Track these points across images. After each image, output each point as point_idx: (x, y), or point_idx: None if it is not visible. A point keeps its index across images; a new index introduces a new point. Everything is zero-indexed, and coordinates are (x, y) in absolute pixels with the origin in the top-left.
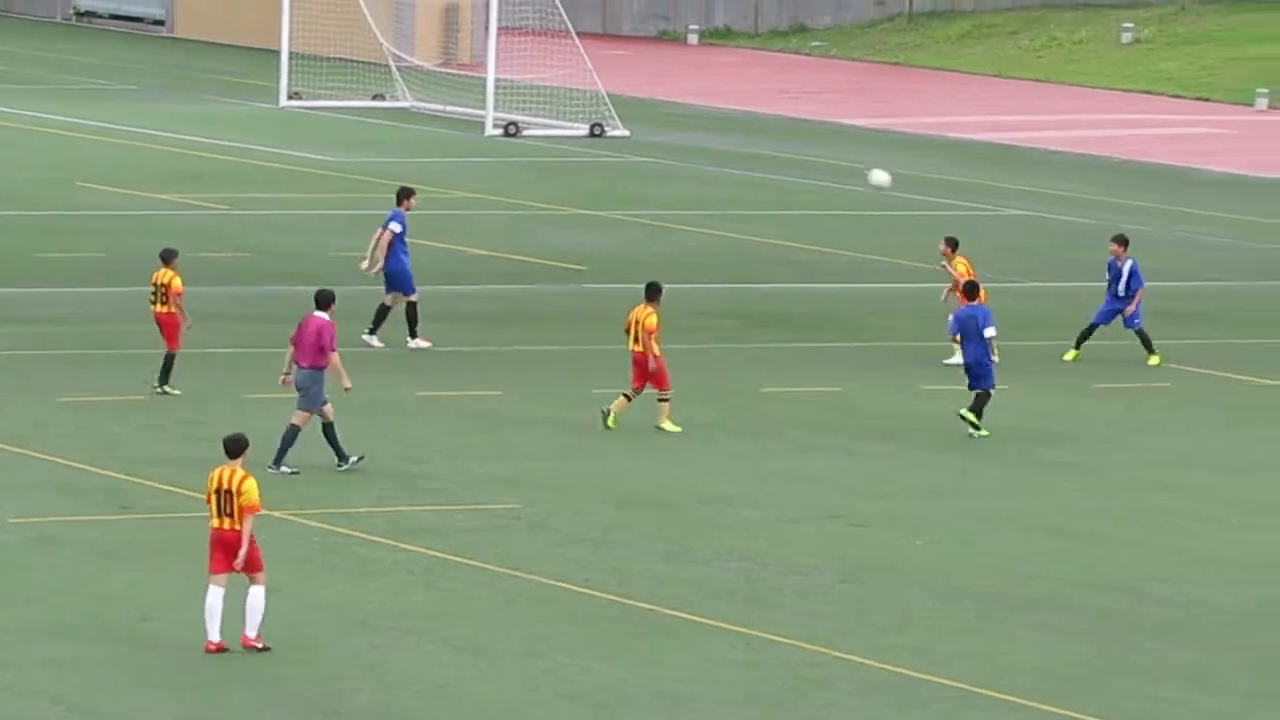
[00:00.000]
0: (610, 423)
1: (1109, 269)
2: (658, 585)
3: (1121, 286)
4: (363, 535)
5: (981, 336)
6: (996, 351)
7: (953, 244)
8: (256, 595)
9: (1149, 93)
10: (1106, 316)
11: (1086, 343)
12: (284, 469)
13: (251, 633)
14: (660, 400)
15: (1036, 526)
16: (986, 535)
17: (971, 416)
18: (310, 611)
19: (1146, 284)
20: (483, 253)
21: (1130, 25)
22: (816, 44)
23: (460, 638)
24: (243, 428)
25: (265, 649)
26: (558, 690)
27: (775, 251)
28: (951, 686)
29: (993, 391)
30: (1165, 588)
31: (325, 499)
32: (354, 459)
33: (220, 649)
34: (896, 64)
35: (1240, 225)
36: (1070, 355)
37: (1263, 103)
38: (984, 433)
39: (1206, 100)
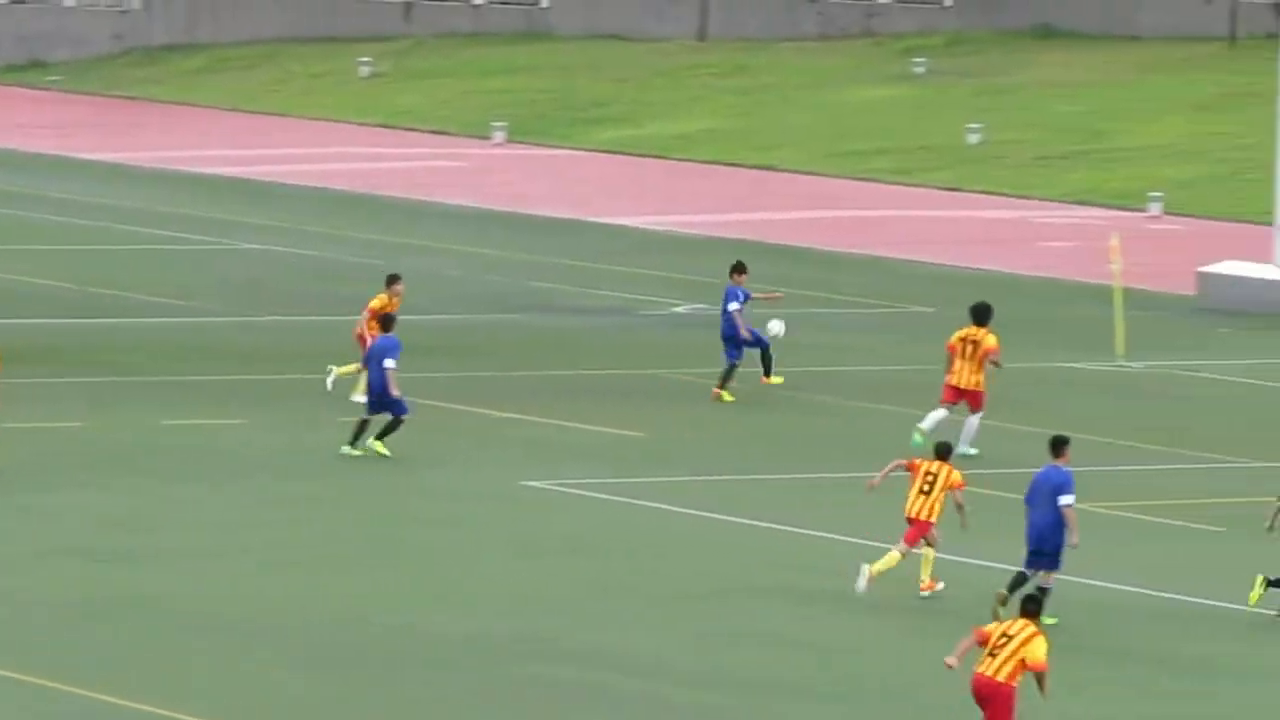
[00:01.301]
0: None
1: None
2: None
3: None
4: None
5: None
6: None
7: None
8: None
9: (387, 126)
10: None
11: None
12: None
13: None
14: None
15: (284, 560)
16: (233, 568)
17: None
18: None
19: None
20: None
21: (368, 59)
22: (53, 78)
23: None
24: None
25: None
26: None
27: (8, 286)
28: None
29: (404, 419)
30: (400, 619)
31: None
32: None
33: None
34: (134, 98)
35: (474, 258)
36: (776, 379)
37: (499, 136)
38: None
39: (444, 134)
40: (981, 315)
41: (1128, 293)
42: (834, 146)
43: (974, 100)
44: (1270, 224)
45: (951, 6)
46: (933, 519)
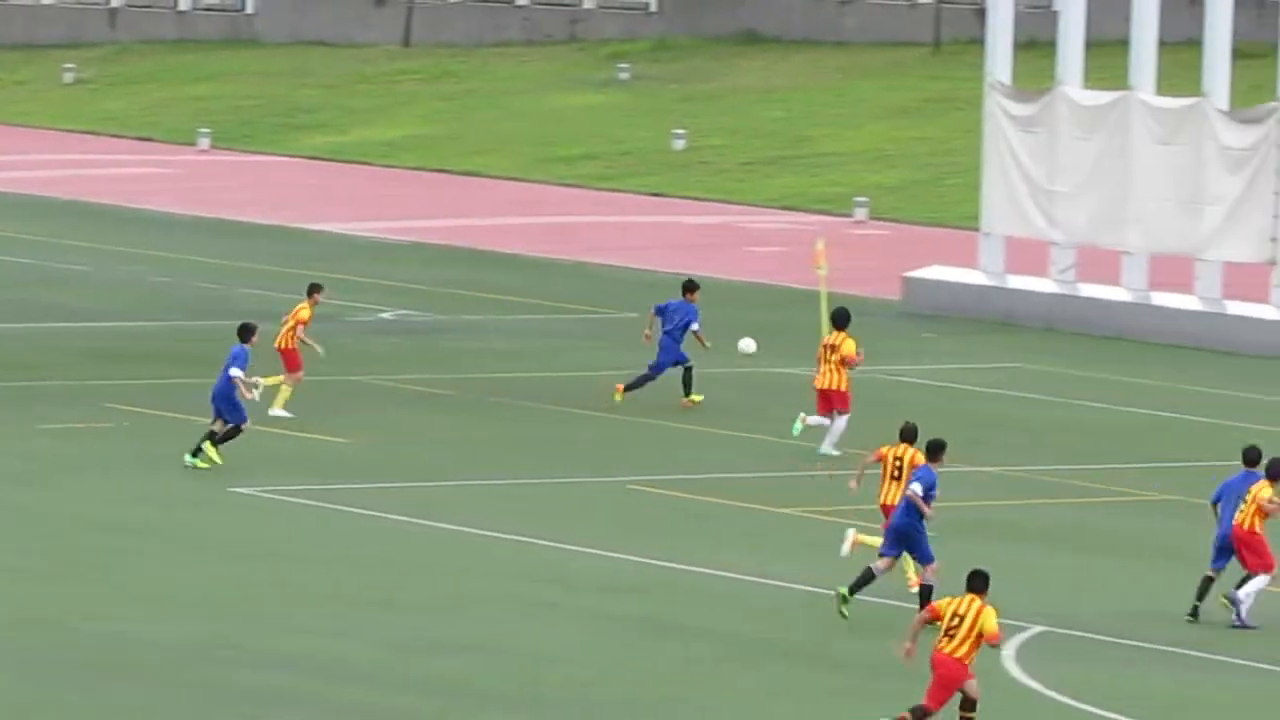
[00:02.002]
0: None
1: (665, 309)
2: None
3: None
4: None
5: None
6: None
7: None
8: None
9: (93, 133)
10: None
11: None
12: None
13: None
14: None
15: None
16: None
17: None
18: None
19: (97, 325)
20: None
21: (72, 65)
22: None
23: None
24: None
25: None
26: None
27: None
28: None
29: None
30: (103, 625)
31: None
32: None
33: None
34: None
35: (180, 264)
36: (695, 399)
37: (205, 142)
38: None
39: (150, 140)
40: (840, 320)
41: (833, 298)
42: (540, 152)
43: (679, 106)
44: (974, 229)
45: (656, 12)
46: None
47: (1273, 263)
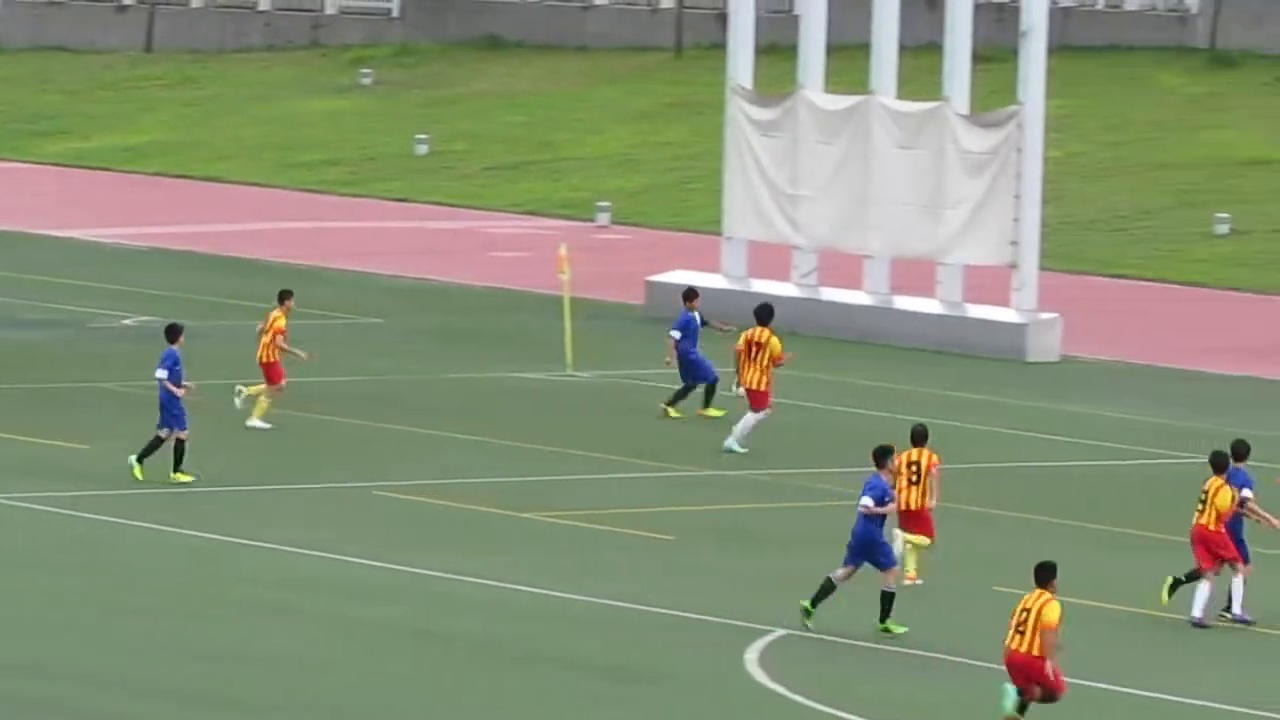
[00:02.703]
0: None
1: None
2: None
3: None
4: None
5: None
6: None
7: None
8: None
9: None
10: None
11: None
12: None
13: None
14: None
15: None
16: None
17: None
18: None
19: None
20: None
21: None
22: None
23: None
24: None
25: None
26: None
27: None
28: None
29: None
30: None
31: None
32: None
33: None
34: None
35: None
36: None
37: None
38: None
39: None
40: (764, 315)
41: (577, 302)
42: (283, 157)
43: (422, 111)
44: (717, 233)
45: (398, 18)
46: (929, 504)
47: (1013, 266)
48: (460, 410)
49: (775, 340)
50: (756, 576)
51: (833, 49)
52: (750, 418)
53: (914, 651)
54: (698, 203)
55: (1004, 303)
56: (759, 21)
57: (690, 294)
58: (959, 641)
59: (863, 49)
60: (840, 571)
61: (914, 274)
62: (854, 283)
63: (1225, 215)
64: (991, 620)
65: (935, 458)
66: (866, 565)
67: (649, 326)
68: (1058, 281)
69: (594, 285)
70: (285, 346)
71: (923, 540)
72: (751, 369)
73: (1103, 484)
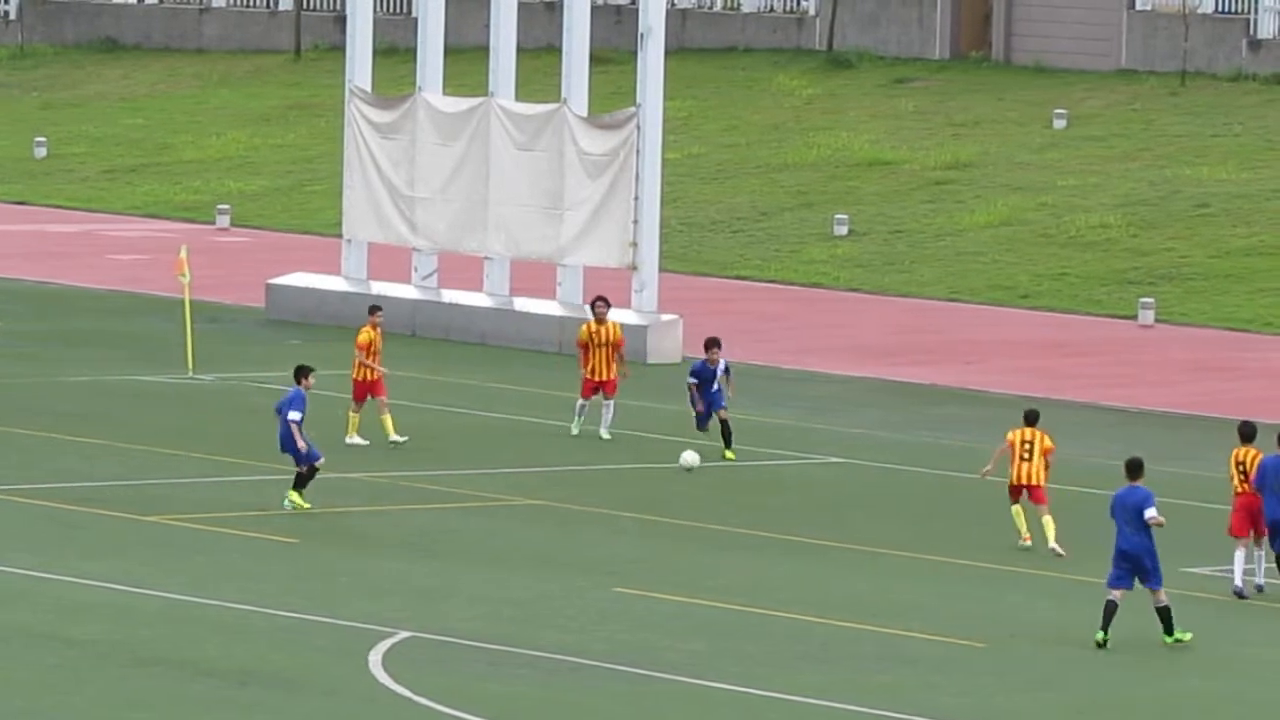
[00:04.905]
0: None
1: (704, 372)
2: None
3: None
4: None
5: None
6: None
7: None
8: None
9: None
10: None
11: None
12: None
13: None
14: None
15: None
16: None
17: None
18: None
19: None
20: None
21: None
22: None
23: None
24: None
25: None
26: None
27: None
28: None
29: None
30: None
31: None
32: None
33: None
34: None
35: None
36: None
37: None
38: None
39: None
40: (599, 307)
41: (197, 305)
42: None
43: (40, 113)
44: (337, 235)
45: (15, 20)
46: (1040, 483)
47: (633, 268)
48: (80, 414)
49: (619, 329)
50: (379, 579)
51: (451, 51)
52: (612, 404)
53: (538, 653)
54: (318, 205)
55: (625, 305)
56: (378, 23)
57: (712, 343)
58: (585, 644)
59: (482, 51)
60: (1117, 593)
61: (535, 275)
62: (475, 284)
63: (843, 216)
64: (615, 622)
65: (1049, 442)
66: None
67: (269, 329)
68: (678, 283)
69: (214, 288)
70: (366, 363)
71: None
72: (602, 359)
73: (729, 484)
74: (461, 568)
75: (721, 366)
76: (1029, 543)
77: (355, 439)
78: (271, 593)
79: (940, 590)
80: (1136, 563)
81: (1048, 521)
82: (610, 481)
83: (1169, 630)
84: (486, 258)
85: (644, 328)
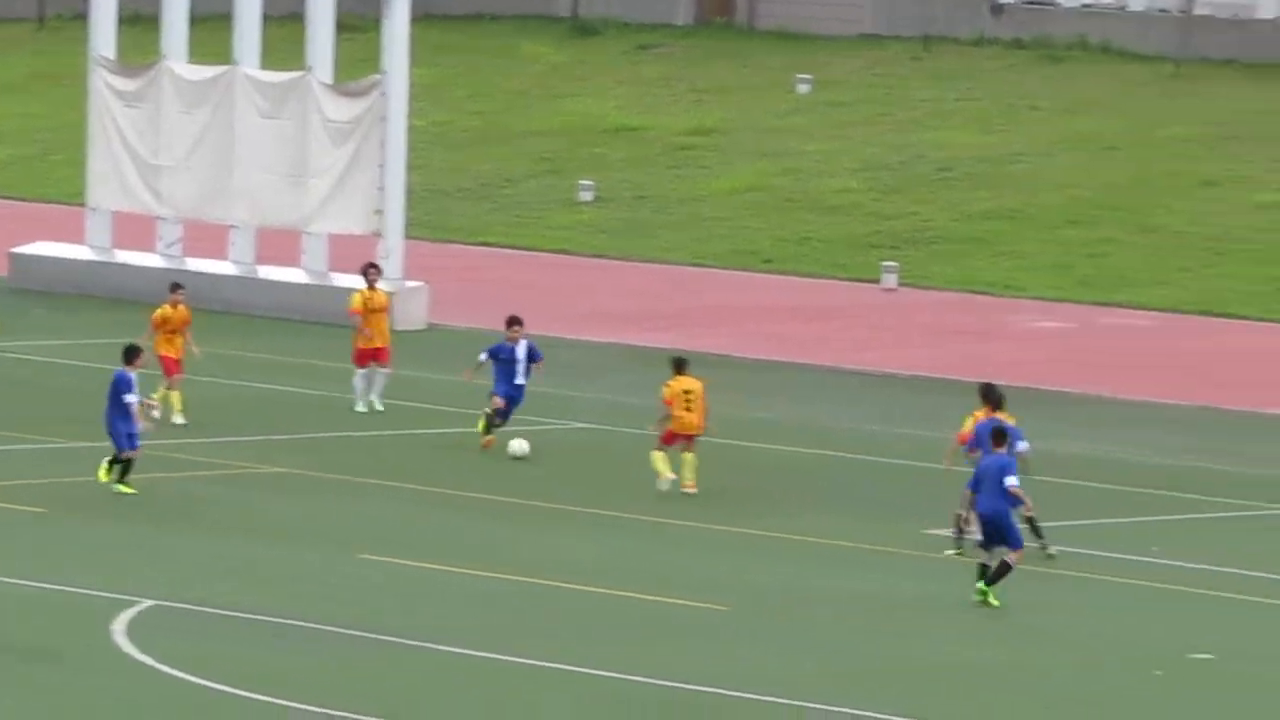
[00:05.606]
0: None
1: (500, 351)
2: None
3: (521, 368)
4: None
5: None
6: None
7: None
8: None
9: None
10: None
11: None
12: None
13: None
14: None
15: None
16: None
17: None
18: None
19: None
20: None
21: None
22: None
23: None
24: None
25: None
26: None
27: None
28: None
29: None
30: None
31: None
32: None
33: None
34: None
35: None
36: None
37: None
38: None
39: None
40: (371, 273)
41: None
42: None
43: None
44: (82, 204)
45: None
46: (700, 432)
47: (378, 235)
48: None
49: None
50: (123, 547)
51: (197, 20)
52: (384, 373)
53: (284, 621)
54: (61, 175)
55: None
56: None
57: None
58: (331, 610)
59: (226, 19)
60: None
61: (281, 243)
62: (221, 253)
63: (589, 182)
64: (360, 589)
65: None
66: None
67: (13, 298)
68: (424, 250)
69: None
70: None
71: None
72: (379, 329)
73: (470, 450)
74: (211, 537)
75: (524, 348)
76: (674, 479)
77: (177, 418)
78: (14, 562)
79: (687, 555)
80: (995, 524)
81: (689, 459)
82: (358, 448)
83: (990, 583)
84: (232, 226)
85: (390, 295)
